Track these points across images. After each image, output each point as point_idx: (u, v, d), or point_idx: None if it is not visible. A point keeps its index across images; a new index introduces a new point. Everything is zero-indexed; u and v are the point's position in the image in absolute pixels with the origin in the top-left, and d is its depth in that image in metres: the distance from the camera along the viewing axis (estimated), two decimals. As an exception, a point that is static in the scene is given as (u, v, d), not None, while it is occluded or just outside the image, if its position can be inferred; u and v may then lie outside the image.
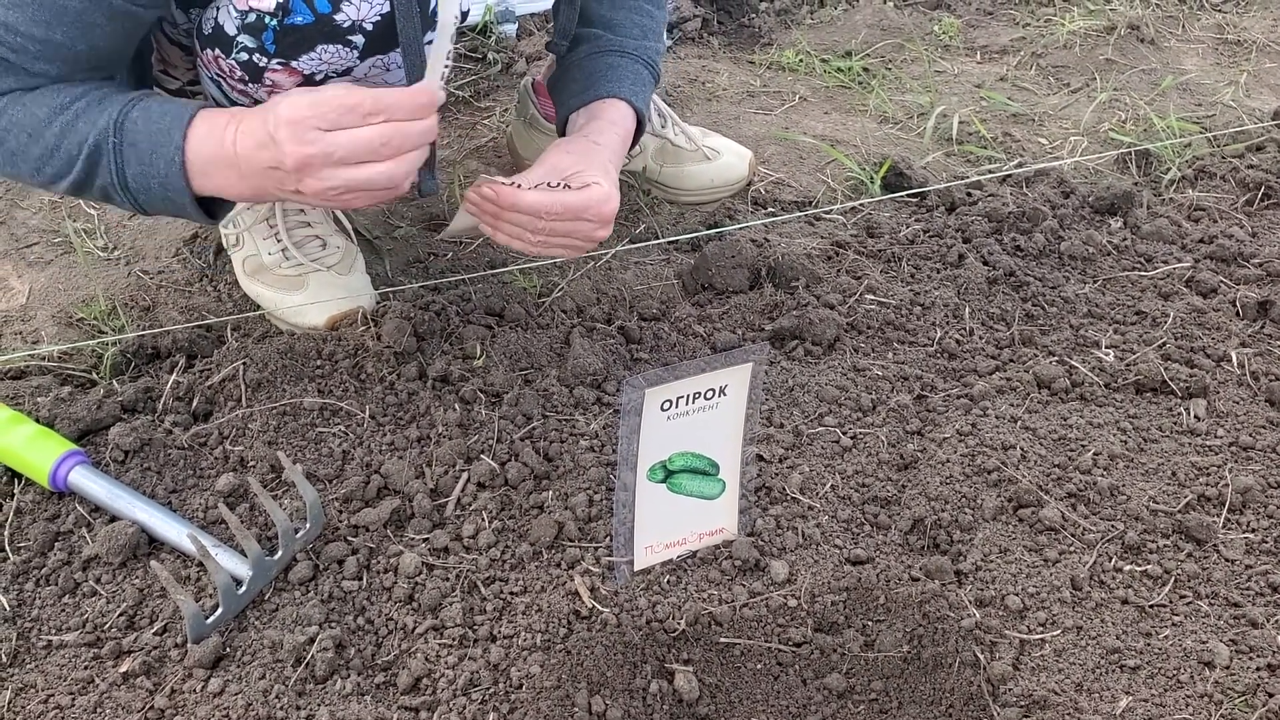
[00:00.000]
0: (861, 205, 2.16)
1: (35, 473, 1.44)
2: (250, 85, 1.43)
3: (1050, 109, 2.60)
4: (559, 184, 1.47)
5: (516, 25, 2.71)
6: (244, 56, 1.39)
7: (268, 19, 1.35)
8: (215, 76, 1.47)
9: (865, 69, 2.74)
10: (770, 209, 2.14)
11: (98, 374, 1.67)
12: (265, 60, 1.39)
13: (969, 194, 2.19)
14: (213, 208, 1.41)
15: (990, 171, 2.30)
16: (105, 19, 1.30)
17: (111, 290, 1.85)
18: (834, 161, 2.31)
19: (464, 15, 1.61)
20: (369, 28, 1.39)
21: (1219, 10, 3.15)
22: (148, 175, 1.34)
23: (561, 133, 1.66)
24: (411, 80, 1.42)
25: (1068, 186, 2.20)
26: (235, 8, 1.35)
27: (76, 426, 1.53)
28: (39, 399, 1.57)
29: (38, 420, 1.52)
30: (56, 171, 1.36)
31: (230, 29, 1.37)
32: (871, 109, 2.57)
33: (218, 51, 1.41)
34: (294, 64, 1.39)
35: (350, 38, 1.38)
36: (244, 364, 1.61)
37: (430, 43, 1.52)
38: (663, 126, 2.13)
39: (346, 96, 1.25)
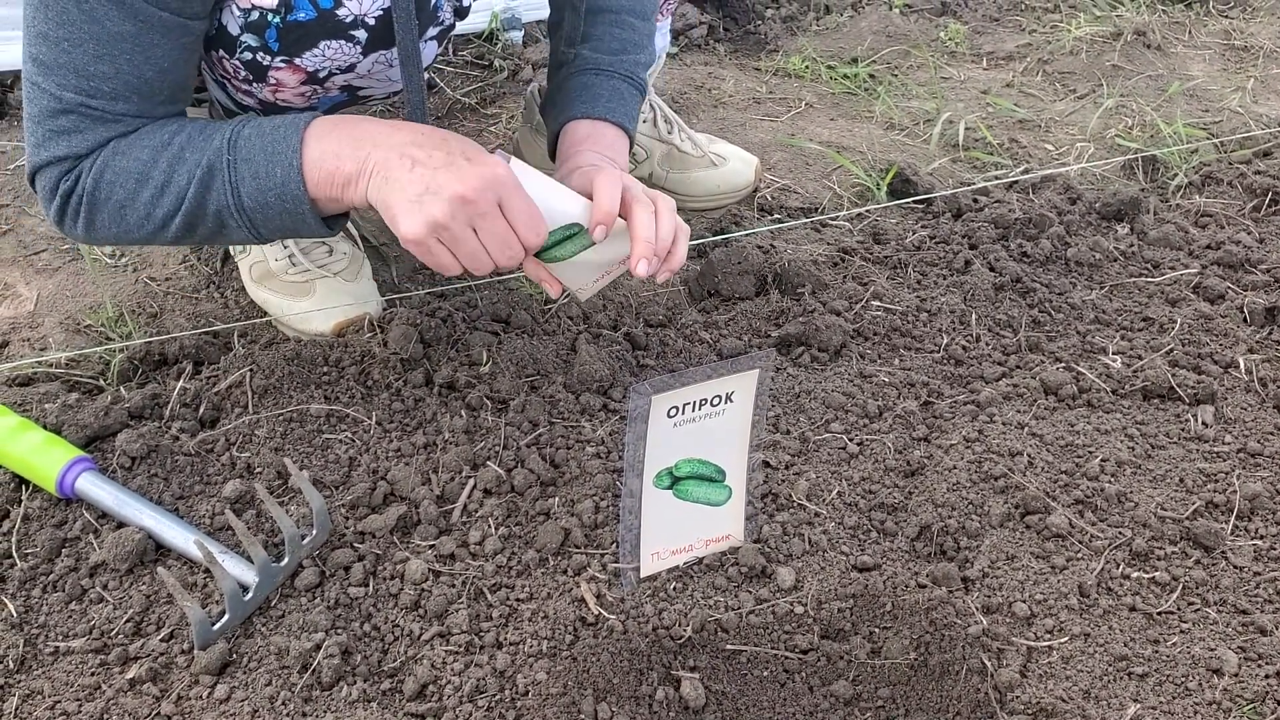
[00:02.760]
0: (868, 211, 2.16)
1: (42, 479, 1.45)
2: (255, 85, 1.44)
3: (1057, 115, 2.60)
4: None
5: (523, 32, 2.71)
6: (248, 56, 1.39)
7: (270, 16, 1.35)
8: (220, 78, 1.48)
9: (871, 75, 2.74)
10: (776, 215, 2.14)
11: (105, 380, 1.67)
12: (269, 59, 1.39)
13: (975, 200, 2.19)
14: (330, 220, 1.40)
15: (997, 178, 2.29)
16: (161, 37, 1.30)
17: (119, 297, 1.86)
18: (840, 168, 2.31)
19: (465, 11, 1.61)
20: (371, 22, 1.39)
21: (1225, 16, 3.15)
22: (264, 190, 1.32)
23: (551, 154, 1.66)
24: (406, 80, 1.42)
25: (1074, 192, 2.20)
26: (238, 6, 1.35)
27: (84, 433, 1.53)
28: (46, 405, 1.58)
29: (45, 427, 1.53)
30: (169, 210, 1.34)
31: (233, 29, 1.38)
32: (878, 115, 2.57)
33: (222, 53, 1.41)
34: (297, 61, 1.40)
35: (353, 33, 1.39)
36: (251, 370, 1.62)
37: (431, 39, 1.53)
38: (669, 132, 2.13)
39: (534, 211, 1.33)
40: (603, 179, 1.40)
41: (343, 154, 1.31)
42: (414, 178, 1.29)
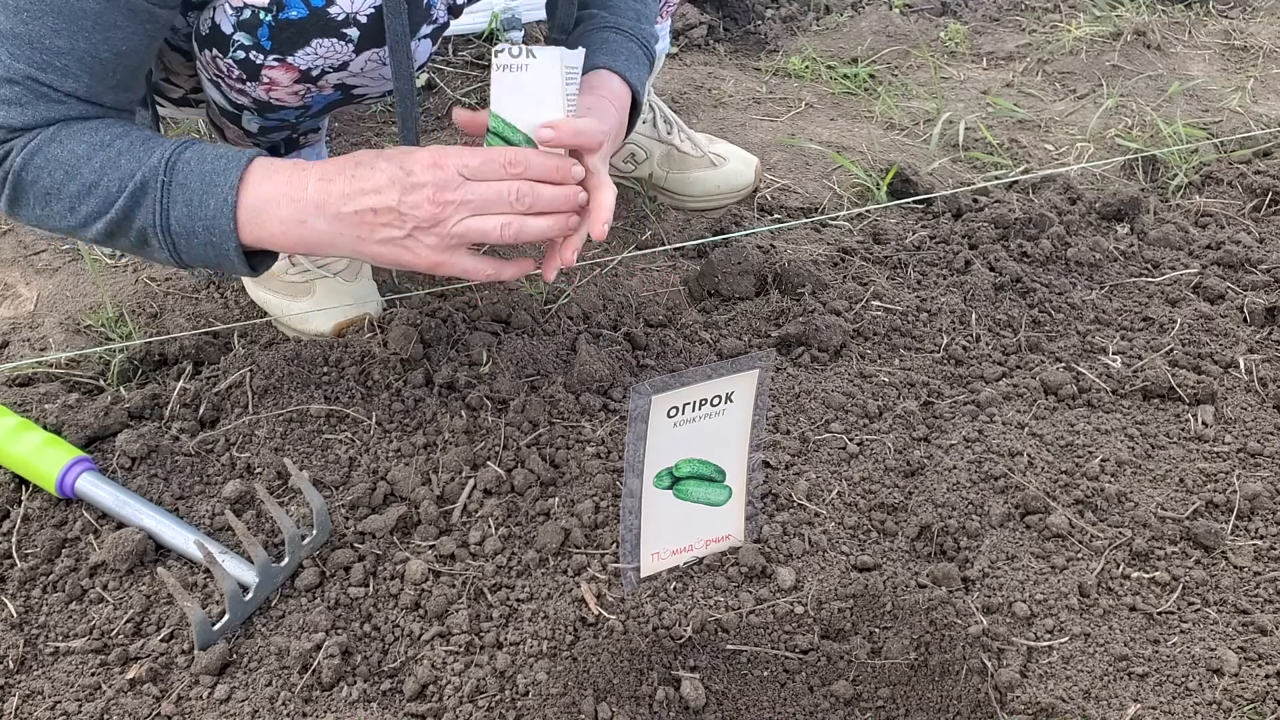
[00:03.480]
0: (868, 212, 2.16)
1: (42, 479, 1.45)
2: (248, 84, 1.44)
3: (1057, 115, 2.60)
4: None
5: (523, 32, 2.71)
6: (241, 55, 1.39)
7: (262, 14, 1.35)
8: (214, 78, 1.48)
9: (871, 75, 2.74)
10: (776, 215, 2.14)
11: (105, 381, 1.67)
12: (262, 57, 1.39)
13: (975, 200, 2.19)
14: (254, 260, 1.38)
15: (997, 178, 2.29)
16: (125, 19, 1.28)
17: (119, 297, 1.86)
18: (840, 168, 2.31)
19: (459, 9, 1.60)
20: (363, 20, 1.39)
21: (1225, 16, 3.15)
22: (193, 218, 1.30)
23: None
24: (397, 78, 1.42)
25: (1074, 193, 2.20)
26: (230, 5, 1.35)
27: (84, 433, 1.53)
28: (46, 406, 1.58)
29: (45, 427, 1.53)
30: (93, 210, 1.32)
31: (227, 27, 1.38)
32: (878, 115, 2.57)
33: (215, 52, 1.41)
34: (290, 60, 1.40)
35: (345, 30, 1.38)
36: (251, 371, 1.62)
37: (425, 37, 1.52)
38: (669, 133, 2.13)
39: (488, 153, 1.29)
40: (595, 121, 1.38)
41: (283, 215, 1.30)
42: (383, 223, 1.29)
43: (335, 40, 1.39)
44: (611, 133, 1.47)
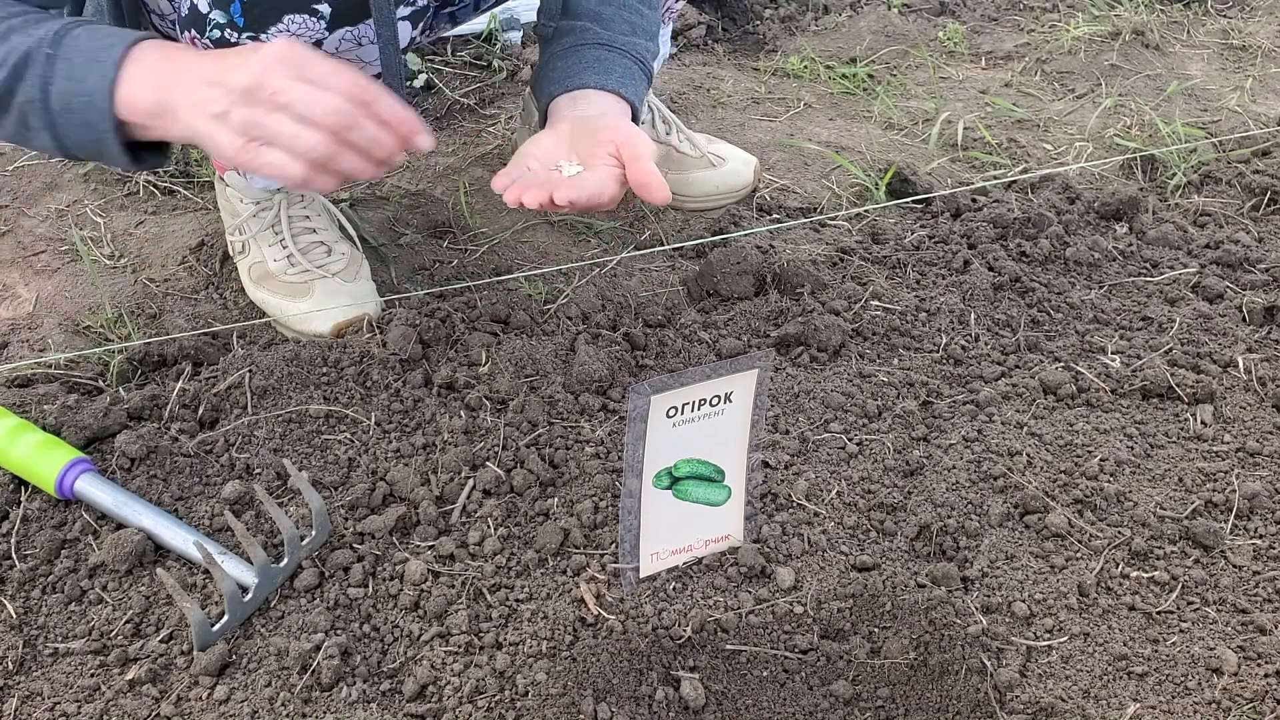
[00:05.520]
0: (867, 211, 2.16)
1: (42, 480, 1.45)
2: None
3: (1055, 115, 2.60)
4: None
5: (521, 33, 2.71)
6: (216, 34, 1.39)
7: None
8: None
9: (870, 75, 2.74)
10: (775, 215, 2.14)
11: (104, 381, 1.67)
12: (236, 35, 1.39)
13: (974, 200, 2.19)
14: (138, 152, 1.30)
15: (995, 177, 2.30)
16: None
17: (118, 298, 1.86)
18: (839, 168, 2.31)
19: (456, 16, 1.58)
20: None
21: (1224, 15, 3.15)
22: (73, 93, 1.23)
23: (543, 125, 1.58)
24: (384, 54, 1.40)
25: (1073, 192, 2.20)
26: None
27: (83, 434, 1.53)
28: (45, 406, 1.58)
29: (44, 428, 1.53)
30: None
31: (203, 6, 1.37)
32: (876, 115, 2.57)
33: (194, 33, 1.41)
34: (263, 38, 1.39)
35: (316, 6, 1.38)
36: (250, 371, 1.62)
37: (405, 19, 1.50)
38: (667, 133, 2.13)
39: (349, 70, 1.20)
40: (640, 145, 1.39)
41: (149, 81, 1.23)
42: (216, 95, 1.20)
43: (306, 16, 1.38)
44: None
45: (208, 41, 1.40)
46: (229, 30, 1.38)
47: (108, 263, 1.95)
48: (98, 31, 1.27)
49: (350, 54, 1.47)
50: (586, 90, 1.53)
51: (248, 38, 1.38)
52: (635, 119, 1.57)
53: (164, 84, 1.24)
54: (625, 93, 1.55)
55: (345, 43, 1.44)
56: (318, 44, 1.41)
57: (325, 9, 1.38)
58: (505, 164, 1.48)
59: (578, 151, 1.46)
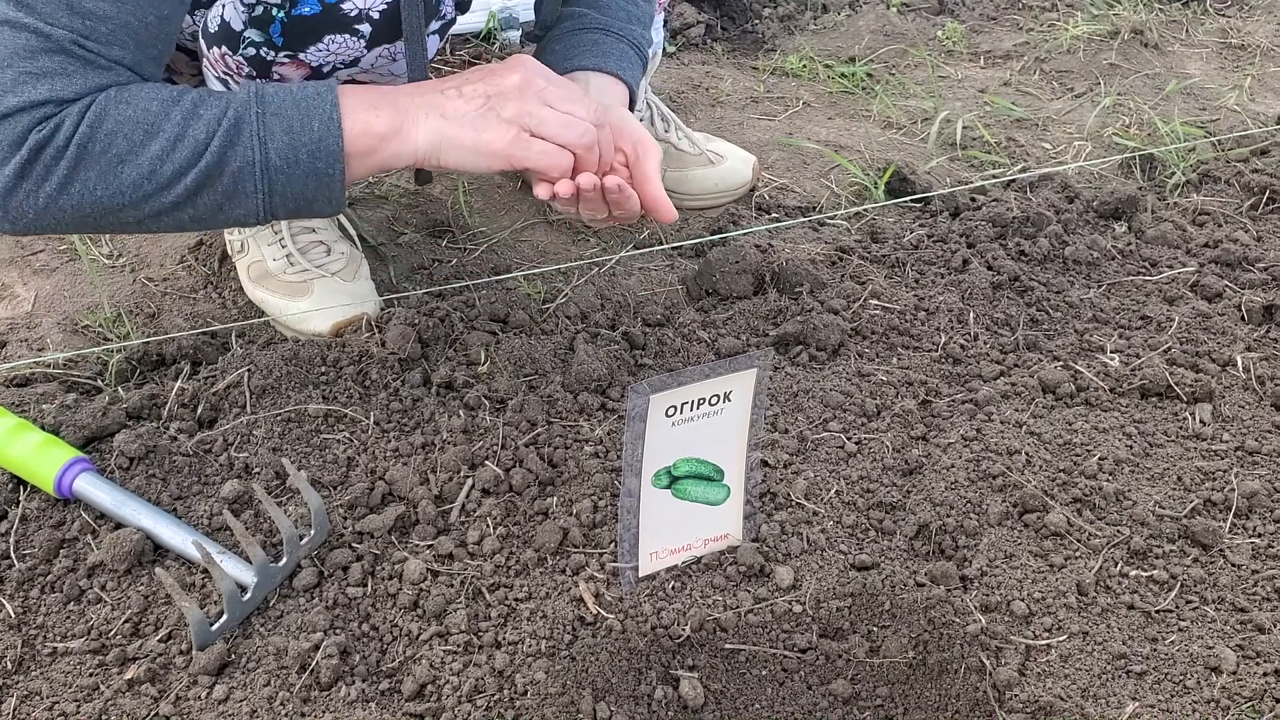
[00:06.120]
0: (865, 211, 2.16)
1: (40, 480, 1.44)
2: (258, 81, 1.43)
3: (1054, 114, 2.60)
4: None
5: (520, 32, 2.71)
6: (251, 51, 1.39)
7: (275, 11, 1.35)
8: (222, 75, 1.47)
9: (869, 74, 2.74)
10: (774, 214, 2.14)
11: (103, 381, 1.67)
12: (273, 54, 1.39)
13: (973, 199, 2.19)
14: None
15: (994, 176, 2.30)
16: None
17: (117, 297, 1.85)
18: (838, 167, 2.31)
19: (467, 5, 1.60)
20: (375, 16, 1.38)
21: (1223, 14, 3.15)
22: (296, 145, 1.24)
23: None
24: (412, 70, 1.42)
25: (1072, 191, 2.20)
26: (242, 2, 1.35)
27: (81, 433, 1.53)
28: (44, 406, 1.58)
29: (43, 427, 1.53)
30: (181, 165, 1.22)
31: (237, 24, 1.37)
32: (875, 114, 2.57)
33: (224, 49, 1.41)
34: (301, 56, 1.39)
35: (357, 27, 1.38)
36: (249, 370, 1.62)
37: (434, 33, 1.52)
38: (666, 131, 2.13)
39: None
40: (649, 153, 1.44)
41: (380, 106, 1.29)
42: (466, 99, 1.30)
43: (347, 36, 1.39)
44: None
45: (241, 59, 1.40)
46: (266, 49, 1.38)
47: (106, 262, 1.94)
48: (289, 86, 1.28)
49: (384, 69, 1.49)
50: (585, 72, 1.56)
51: (285, 56, 1.39)
52: (631, 105, 1.59)
53: (392, 105, 1.29)
54: (623, 75, 1.57)
55: (380, 59, 1.46)
56: (355, 62, 1.43)
57: (366, 29, 1.39)
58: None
59: None
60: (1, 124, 1.19)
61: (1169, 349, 1.81)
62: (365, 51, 1.42)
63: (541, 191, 1.38)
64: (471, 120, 1.29)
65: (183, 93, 1.25)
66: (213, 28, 1.41)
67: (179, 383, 1.62)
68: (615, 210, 1.43)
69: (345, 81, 1.47)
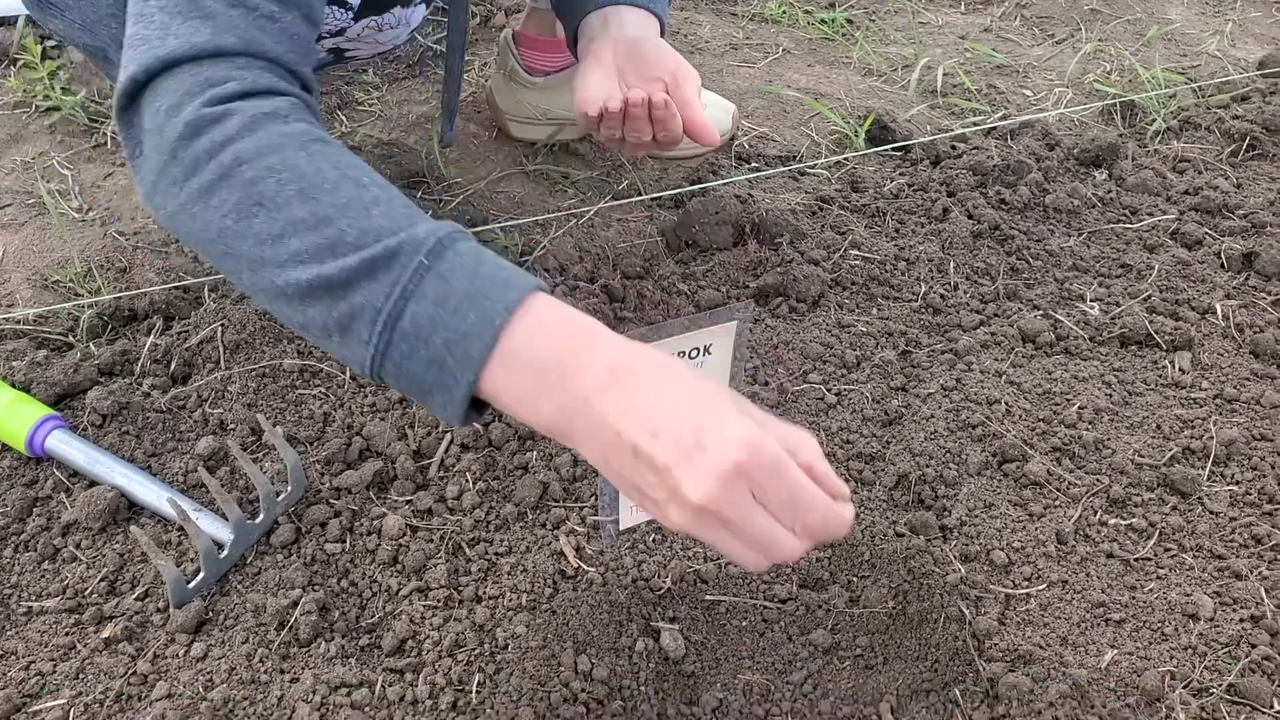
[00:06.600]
0: (846, 159, 2.14)
1: (12, 438, 1.43)
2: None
3: (1035, 60, 2.58)
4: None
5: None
6: None
7: None
8: None
9: (849, 21, 2.71)
10: (754, 164, 2.12)
11: (74, 337, 1.65)
12: None
13: (953, 147, 2.18)
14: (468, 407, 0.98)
15: (975, 124, 2.28)
16: None
17: (87, 252, 1.82)
18: (818, 115, 2.29)
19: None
20: None
21: (1205, -41, 3.12)
22: (437, 325, 0.93)
23: (571, 46, 1.61)
24: (448, 90, 1.43)
25: (1052, 139, 2.18)
26: None
27: (53, 390, 1.51)
28: (14, 363, 1.55)
29: (13, 385, 1.51)
30: (308, 249, 0.96)
31: None
32: (855, 61, 2.54)
33: None
34: None
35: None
36: (222, 325, 1.59)
37: (420, 2, 1.51)
38: (644, 81, 2.10)
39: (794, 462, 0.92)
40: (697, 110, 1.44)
41: (534, 385, 0.94)
42: (643, 473, 0.92)
43: (335, 8, 1.38)
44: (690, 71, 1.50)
45: None
46: None
47: (76, 216, 1.91)
48: (485, 255, 0.99)
49: (369, 38, 1.46)
50: (618, 7, 1.54)
51: None
52: (662, 33, 1.59)
53: (562, 387, 0.94)
54: (652, 7, 1.56)
55: (367, 30, 1.44)
56: (342, 32, 1.41)
57: (355, 0, 1.37)
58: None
59: (628, 84, 1.49)
60: (173, 73, 1.02)
61: (1149, 297, 1.80)
62: (353, 23, 1.41)
63: (590, 108, 1.40)
64: (634, 496, 0.95)
65: (372, 182, 1.01)
66: None
67: (152, 338, 1.60)
68: (659, 132, 1.45)
69: (330, 49, 1.45)
